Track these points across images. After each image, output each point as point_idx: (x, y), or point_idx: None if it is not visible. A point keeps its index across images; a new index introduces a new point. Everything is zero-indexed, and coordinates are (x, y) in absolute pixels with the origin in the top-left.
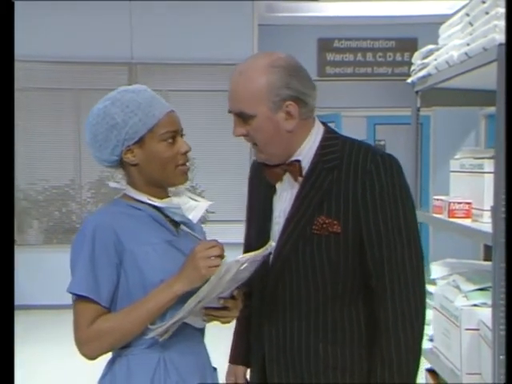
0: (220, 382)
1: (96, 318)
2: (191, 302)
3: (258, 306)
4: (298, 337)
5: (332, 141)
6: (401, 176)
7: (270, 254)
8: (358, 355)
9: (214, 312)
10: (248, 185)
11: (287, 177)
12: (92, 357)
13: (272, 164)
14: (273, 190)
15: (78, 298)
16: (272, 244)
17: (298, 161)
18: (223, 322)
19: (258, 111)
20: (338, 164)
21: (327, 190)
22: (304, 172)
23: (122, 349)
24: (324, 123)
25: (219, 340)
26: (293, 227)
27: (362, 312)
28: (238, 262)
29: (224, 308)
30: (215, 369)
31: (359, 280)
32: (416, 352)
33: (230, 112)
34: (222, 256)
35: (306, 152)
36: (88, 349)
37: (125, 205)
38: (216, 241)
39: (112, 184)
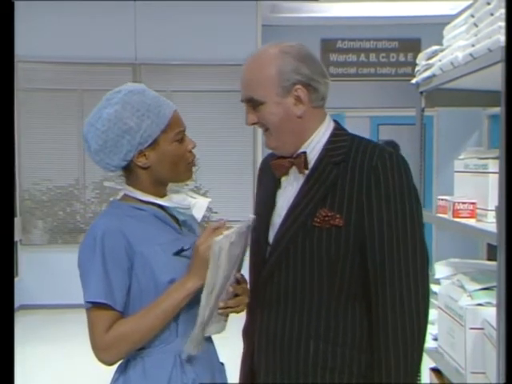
0: (227, 377)
1: (112, 324)
2: (204, 297)
3: (252, 297)
4: (290, 331)
5: (341, 137)
6: (408, 175)
7: (250, 226)
8: (350, 356)
9: (228, 302)
10: (257, 179)
11: (293, 171)
12: (111, 362)
13: (282, 154)
14: (278, 184)
15: (93, 306)
16: (251, 216)
17: (304, 153)
18: (238, 311)
19: (267, 97)
20: (344, 159)
21: (331, 184)
22: (310, 166)
23: (136, 351)
24: (335, 121)
25: (224, 335)
26: (293, 219)
27: (359, 314)
28: (227, 236)
29: (235, 296)
30: (222, 364)
31: (358, 279)
32: (413, 361)
33: (242, 101)
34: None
35: (314, 145)
36: (107, 355)
37: (126, 207)
38: (212, 226)
39: (107, 183)
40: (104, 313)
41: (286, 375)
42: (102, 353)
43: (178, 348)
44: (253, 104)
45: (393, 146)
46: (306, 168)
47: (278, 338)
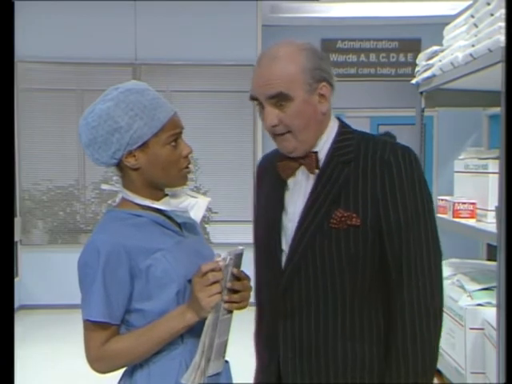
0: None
1: (109, 338)
2: (203, 342)
3: (271, 307)
4: (316, 336)
5: (347, 135)
6: (419, 168)
7: (241, 253)
8: (377, 353)
9: (232, 297)
10: (256, 183)
11: (301, 171)
12: (104, 373)
13: (297, 155)
14: (284, 186)
15: (92, 322)
16: (240, 247)
17: (315, 152)
18: (242, 307)
19: (295, 94)
20: (354, 157)
21: (344, 183)
22: (319, 165)
23: None
24: (338, 118)
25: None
26: (309, 222)
27: (382, 311)
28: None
29: (235, 292)
30: (227, 361)
31: (378, 275)
32: (432, 348)
33: (253, 99)
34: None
35: (323, 144)
36: (99, 366)
37: (124, 214)
38: (213, 262)
39: (104, 186)
40: (101, 329)
41: (314, 378)
42: (96, 364)
43: (184, 354)
44: (279, 100)
45: (389, 136)
46: (318, 168)
47: (305, 346)
